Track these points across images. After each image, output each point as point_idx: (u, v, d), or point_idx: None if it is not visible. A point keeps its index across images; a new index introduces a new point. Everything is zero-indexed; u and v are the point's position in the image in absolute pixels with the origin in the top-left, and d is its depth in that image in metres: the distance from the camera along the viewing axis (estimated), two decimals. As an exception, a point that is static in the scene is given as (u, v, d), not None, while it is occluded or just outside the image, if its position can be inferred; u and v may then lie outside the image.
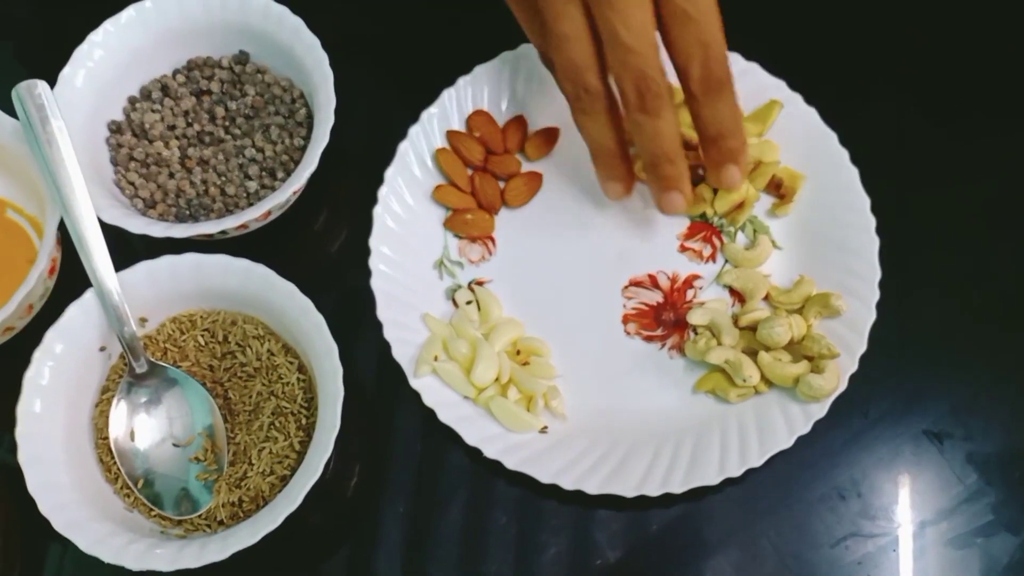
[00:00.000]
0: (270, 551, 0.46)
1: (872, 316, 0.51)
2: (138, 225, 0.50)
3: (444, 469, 0.51)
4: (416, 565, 0.50)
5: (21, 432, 0.46)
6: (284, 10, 0.54)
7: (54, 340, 0.48)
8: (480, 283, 0.55)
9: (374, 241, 0.53)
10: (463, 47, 0.57)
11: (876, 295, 0.51)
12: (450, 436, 0.50)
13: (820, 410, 0.49)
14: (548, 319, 0.54)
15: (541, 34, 0.49)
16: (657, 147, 0.49)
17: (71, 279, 0.51)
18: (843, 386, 0.49)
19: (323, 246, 0.57)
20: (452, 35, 0.61)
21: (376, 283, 0.52)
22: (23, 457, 0.46)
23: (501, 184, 0.56)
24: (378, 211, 0.54)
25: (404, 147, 0.55)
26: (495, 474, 0.50)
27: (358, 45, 0.61)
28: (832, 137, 0.54)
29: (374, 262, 0.53)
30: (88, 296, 0.48)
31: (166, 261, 0.49)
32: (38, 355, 0.47)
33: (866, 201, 0.53)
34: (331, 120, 0.51)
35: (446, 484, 0.51)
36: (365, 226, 0.54)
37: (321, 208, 0.57)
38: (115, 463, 0.48)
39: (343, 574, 0.50)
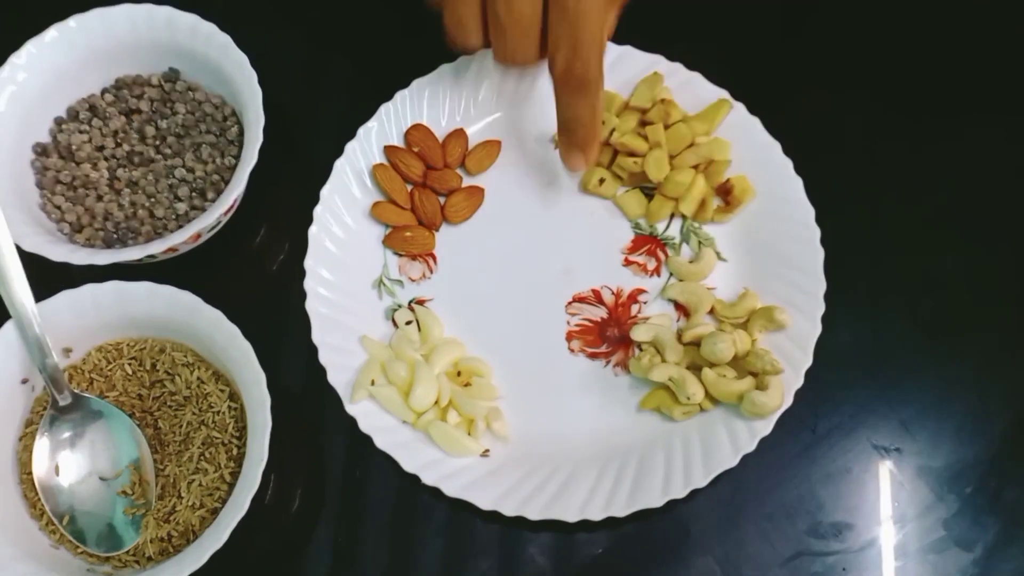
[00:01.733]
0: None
1: (817, 330, 0.50)
2: (60, 253, 0.48)
3: (384, 496, 0.50)
4: (357, 595, 0.49)
5: (-60, 471, 0.45)
6: (213, 27, 0.53)
7: (-28, 374, 0.46)
8: (421, 302, 0.53)
9: (310, 262, 0.52)
10: (400, 61, 0.56)
11: (821, 308, 0.50)
12: (390, 461, 0.49)
13: (765, 427, 0.48)
14: (491, 338, 0.53)
15: None
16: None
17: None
18: (788, 402, 0.48)
19: (258, 267, 0.55)
20: (389, 49, 0.59)
21: (312, 305, 0.51)
22: (-58, 497, 0.44)
23: (441, 200, 0.55)
24: (314, 231, 0.53)
25: (340, 164, 0.54)
26: (437, 499, 0.49)
27: (293, 62, 0.60)
28: (776, 147, 0.53)
29: (310, 284, 0.52)
30: (7, 328, 0.47)
31: (88, 290, 0.47)
32: (-44, 390, 0.46)
33: (810, 212, 0.52)
34: (260, 139, 0.50)
35: (387, 511, 0.50)
36: (301, 246, 0.52)
37: (257, 228, 0.56)
38: (40, 500, 0.46)
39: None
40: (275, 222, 0.56)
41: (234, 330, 0.46)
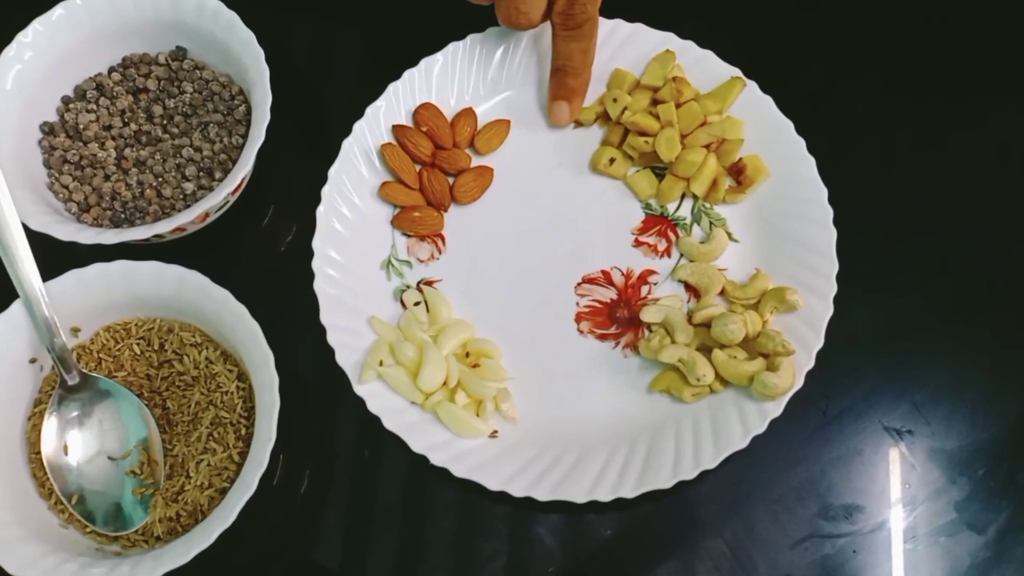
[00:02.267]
0: (217, 560, 0.44)
1: (829, 311, 0.49)
2: (67, 232, 0.48)
3: (393, 476, 0.50)
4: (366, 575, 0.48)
5: (-51, 450, 0.45)
6: (218, 4, 0.52)
7: (-21, 355, 0.46)
8: (429, 283, 0.53)
9: (318, 242, 0.52)
10: (409, 39, 0.55)
11: (833, 289, 0.49)
12: (398, 442, 0.48)
13: (776, 408, 0.48)
14: (499, 319, 0.52)
15: None
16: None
17: None
18: (799, 384, 0.48)
19: (267, 248, 0.55)
20: (397, 27, 0.59)
21: (319, 286, 0.51)
22: (-49, 476, 0.44)
23: (450, 180, 0.55)
24: (322, 211, 0.52)
25: (348, 143, 0.54)
26: (445, 480, 0.48)
27: (301, 40, 0.59)
28: (789, 126, 0.52)
29: (318, 264, 0.51)
30: (15, 307, 0.47)
31: (95, 269, 0.47)
32: (-36, 370, 0.46)
33: (823, 192, 0.51)
34: (267, 118, 0.50)
35: (395, 492, 0.50)
36: (309, 226, 0.52)
37: (264, 208, 0.56)
38: (49, 479, 0.46)
39: (290, 586, 0.49)
40: (283, 202, 0.56)
41: (242, 310, 0.46)
